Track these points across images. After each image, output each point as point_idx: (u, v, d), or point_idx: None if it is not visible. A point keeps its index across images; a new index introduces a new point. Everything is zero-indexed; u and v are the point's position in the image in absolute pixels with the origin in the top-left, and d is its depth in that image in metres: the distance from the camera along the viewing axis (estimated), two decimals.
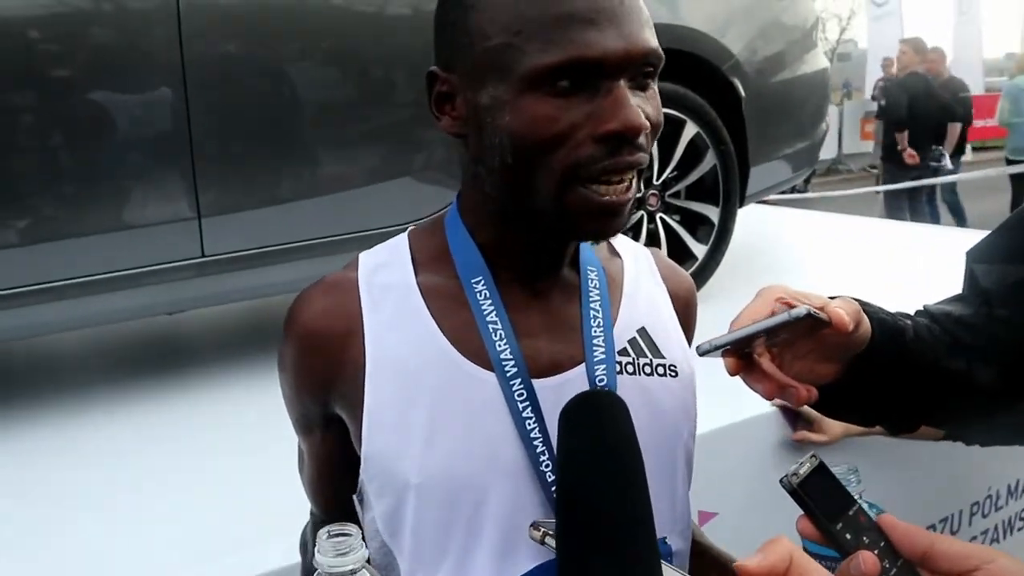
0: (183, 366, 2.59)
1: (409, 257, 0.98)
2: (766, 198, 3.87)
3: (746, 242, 3.32)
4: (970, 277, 1.07)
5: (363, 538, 0.70)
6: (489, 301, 0.93)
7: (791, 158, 3.36)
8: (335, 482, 1.00)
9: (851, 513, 0.74)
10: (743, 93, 3.02)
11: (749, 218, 3.41)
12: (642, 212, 2.89)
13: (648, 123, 0.85)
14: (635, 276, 1.04)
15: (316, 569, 0.69)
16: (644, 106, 0.86)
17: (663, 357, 1.00)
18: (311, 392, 0.97)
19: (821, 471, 0.75)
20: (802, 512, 0.74)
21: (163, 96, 2.21)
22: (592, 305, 0.97)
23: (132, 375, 2.55)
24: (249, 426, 2.01)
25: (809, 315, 0.82)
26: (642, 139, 0.85)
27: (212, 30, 2.25)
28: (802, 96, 3.32)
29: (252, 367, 2.39)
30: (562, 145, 0.84)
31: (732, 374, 0.91)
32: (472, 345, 0.92)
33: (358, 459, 0.94)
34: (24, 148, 2.12)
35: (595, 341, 0.95)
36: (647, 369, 0.98)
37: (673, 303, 1.06)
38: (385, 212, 2.42)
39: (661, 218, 2.94)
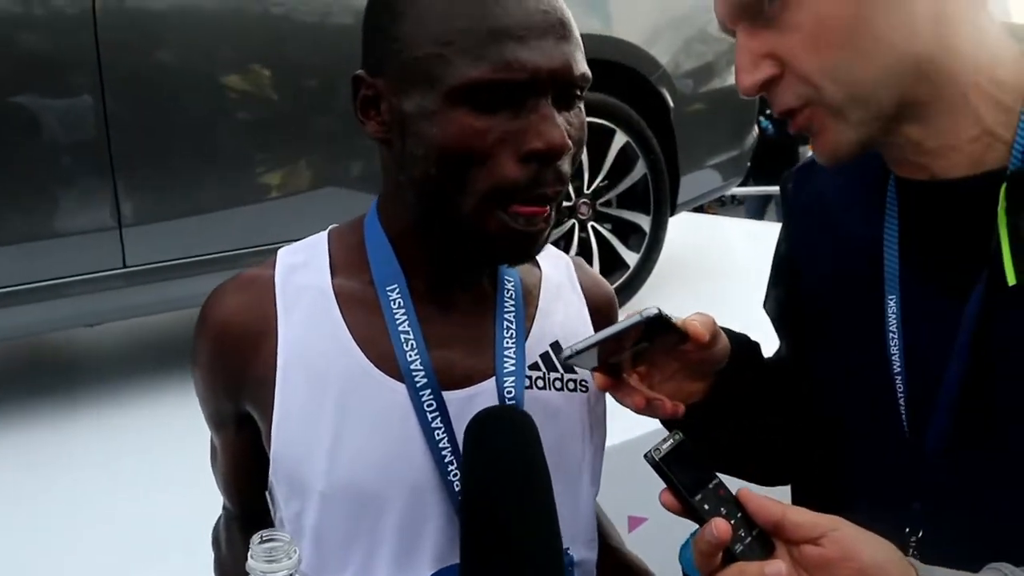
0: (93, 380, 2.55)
1: (327, 259, 0.97)
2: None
3: (679, 250, 3.36)
4: (773, 324, 1.12)
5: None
6: (403, 310, 0.92)
7: (720, 167, 3.43)
8: (248, 478, 0.99)
9: (711, 487, 0.77)
10: (671, 103, 3.07)
11: (683, 226, 3.46)
12: (573, 220, 2.92)
13: (571, 143, 0.85)
14: (554, 288, 1.04)
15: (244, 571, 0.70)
16: (569, 126, 0.86)
17: (574, 372, 1.00)
18: (223, 389, 0.96)
19: (683, 447, 0.78)
20: (665, 487, 0.78)
21: (83, 103, 2.17)
22: (507, 317, 0.97)
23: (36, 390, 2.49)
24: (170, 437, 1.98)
25: (660, 315, 0.83)
26: (564, 164, 0.86)
27: (132, 38, 2.22)
28: (730, 106, 3.38)
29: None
30: (485, 162, 0.84)
31: (601, 389, 0.92)
32: (383, 353, 0.91)
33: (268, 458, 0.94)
34: None
35: (506, 354, 0.95)
36: (557, 384, 0.98)
37: (592, 315, 1.06)
38: (310, 222, 2.39)
39: (593, 226, 2.97)
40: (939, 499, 0.86)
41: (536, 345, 0.99)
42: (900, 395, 0.88)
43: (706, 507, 0.76)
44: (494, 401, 0.92)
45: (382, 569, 0.90)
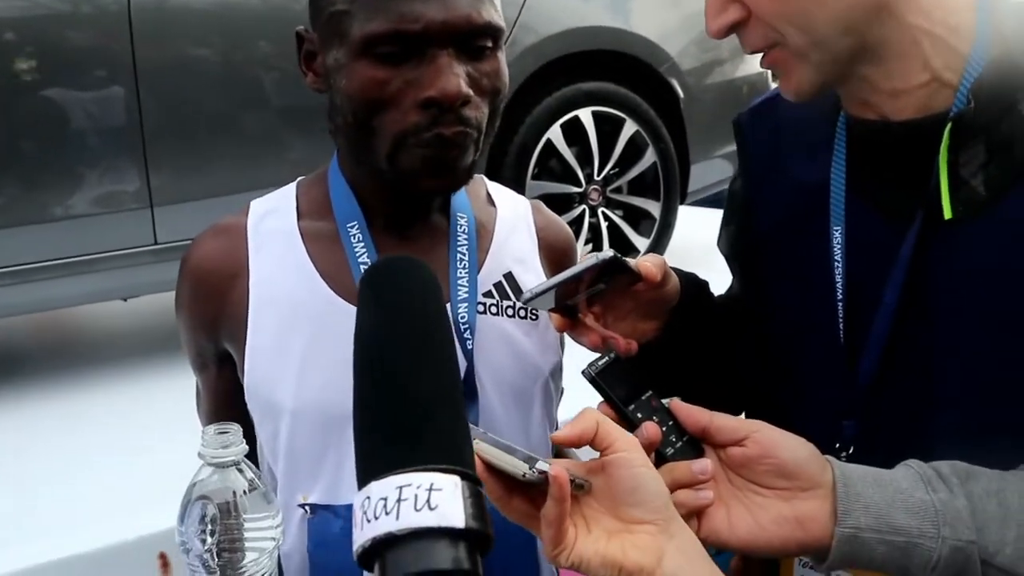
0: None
1: (295, 205, 1.05)
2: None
3: (689, 239, 3.43)
4: (726, 261, 1.18)
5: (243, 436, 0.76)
6: (362, 244, 0.99)
7: (732, 156, 3.47)
8: (229, 415, 1.04)
9: (643, 398, 0.84)
10: (681, 93, 3.16)
11: (695, 218, 3.53)
12: (584, 206, 3.03)
13: (470, 92, 0.90)
14: (508, 225, 1.10)
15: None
16: (476, 75, 0.92)
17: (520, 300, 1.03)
18: (203, 329, 1.04)
19: (617, 363, 0.85)
20: (602, 399, 0.85)
21: (117, 92, 2.35)
22: (459, 249, 1.03)
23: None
24: None
25: (615, 259, 0.88)
26: (467, 109, 0.91)
27: (164, 30, 2.39)
28: (741, 96, 3.45)
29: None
30: (389, 109, 0.91)
31: (559, 330, 0.96)
32: (345, 284, 0.99)
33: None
34: None
35: (459, 283, 1.01)
36: (509, 311, 1.05)
37: (545, 253, 1.12)
38: None
39: (603, 212, 3.07)
40: (869, 420, 0.91)
41: (489, 276, 1.05)
42: (840, 321, 0.93)
43: (639, 415, 0.82)
44: (448, 325, 1.01)
45: (350, 481, 0.98)
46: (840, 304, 0.93)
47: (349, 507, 0.96)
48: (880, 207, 0.92)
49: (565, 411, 1.20)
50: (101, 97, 2.35)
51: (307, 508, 0.99)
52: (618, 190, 3.12)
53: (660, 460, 0.81)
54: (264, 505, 0.78)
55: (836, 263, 0.93)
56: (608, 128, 3.03)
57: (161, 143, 2.39)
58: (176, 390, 1.97)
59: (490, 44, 0.93)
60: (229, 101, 2.51)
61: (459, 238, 1.04)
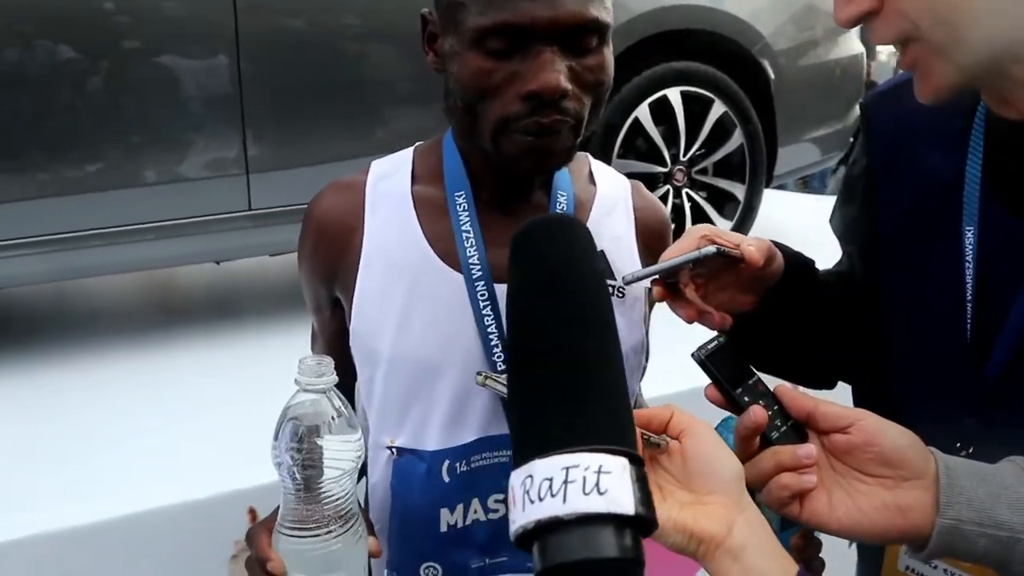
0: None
1: (410, 170, 1.11)
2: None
3: (774, 224, 3.40)
4: (836, 236, 1.17)
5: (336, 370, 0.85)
6: (467, 213, 1.06)
7: (821, 140, 3.45)
8: (339, 355, 1.10)
9: (750, 382, 0.86)
10: (772, 75, 3.12)
11: (778, 202, 3.49)
12: (668, 187, 3.02)
13: (568, 87, 0.95)
14: (607, 204, 1.14)
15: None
16: (579, 69, 0.96)
17: (615, 280, 1.11)
18: (320, 276, 1.12)
19: (725, 348, 0.87)
20: (710, 382, 0.87)
21: (220, 63, 2.42)
22: None
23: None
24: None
25: (718, 253, 0.92)
26: (566, 101, 0.96)
27: (267, 3, 2.45)
28: (834, 79, 3.39)
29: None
30: (494, 99, 0.96)
31: (658, 300, 1.00)
32: (448, 249, 1.05)
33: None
34: (95, 108, 2.35)
35: None
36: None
37: (641, 233, 1.16)
38: None
39: (687, 193, 3.06)
40: (993, 418, 0.89)
41: None
42: (968, 319, 0.92)
43: (746, 399, 0.84)
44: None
45: (434, 431, 1.06)
46: (969, 304, 0.92)
47: (433, 453, 1.05)
48: (1018, 207, 0.89)
49: (648, 387, 1.25)
50: (204, 66, 2.43)
51: (394, 450, 1.06)
52: (703, 171, 3.10)
53: (765, 443, 0.83)
54: (348, 430, 0.85)
55: (967, 263, 0.92)
56: (696, 108, 3.01)
57: (260, 112, 2.46)
58: (271, 349, 2.07)
59: (595, 41, 0.98)
60: (326, 72, 2.56)
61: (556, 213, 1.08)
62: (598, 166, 1.19)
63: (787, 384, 0.87)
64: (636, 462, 0.55)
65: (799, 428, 0.84)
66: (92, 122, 2.34)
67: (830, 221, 1.17)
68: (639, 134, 2.96)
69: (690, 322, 1.00)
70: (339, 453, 0.84)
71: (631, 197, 1.18)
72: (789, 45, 3.20)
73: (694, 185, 3.09)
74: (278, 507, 0.90)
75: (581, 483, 0.52)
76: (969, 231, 0.92)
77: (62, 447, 1.93)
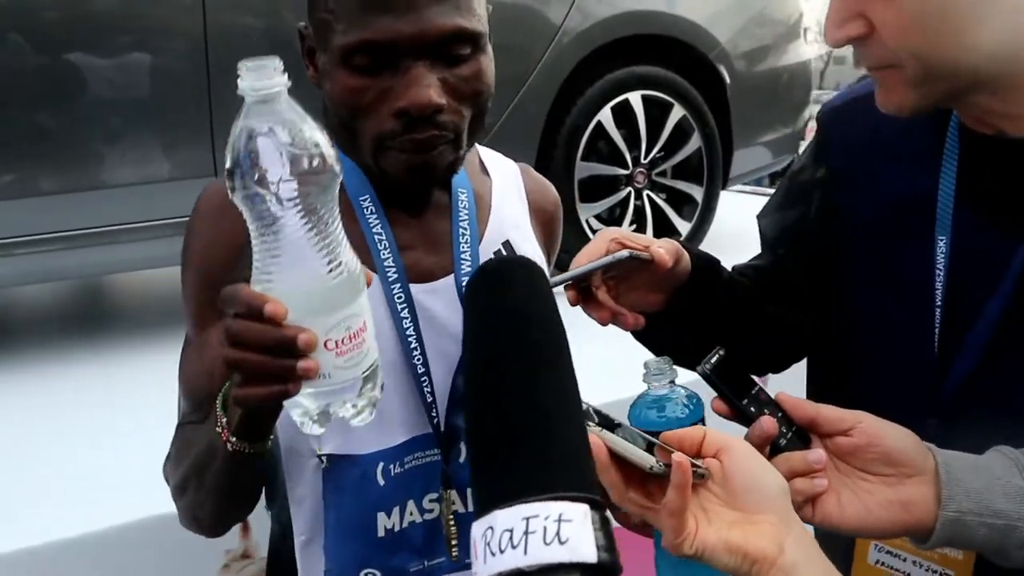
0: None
1: None
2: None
3: (730, 224, 3.47)
4: (761, 235, 1.22)
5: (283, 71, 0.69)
6: (375, 216, 1.02)
7: (773, 144, 3.54)
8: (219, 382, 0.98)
9: (753, 392, 0.89)
10: (728, 79, 3.19)
11: (733, 203, 3.57)
12: (630, 188, 3.07)
13: (441, 101, 0.92)
14: (501, 193, 1.14)
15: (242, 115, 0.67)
16: (454, 80, 0.94)
17: None
18: (217, 278, 0.98)
19: (727, 360, 0.89)
20: (716, 395, 0.89)
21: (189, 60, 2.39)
22: (461, 224, 1.07)
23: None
24: None
25: (631, 257, 0.97)
26: (442, 116, 0.93)
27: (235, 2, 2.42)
28: (785, 85, 3.48)
29: None
30: (367, 116, 0.94)
31: (572, 304, 1.02)
32: (360, 254, 0.99)
33: None
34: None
35: (463, 256, 1.06)
36: None
37: (535, 216, 1.17)
38: None
39: (648, 195, 3.11)
40: (955, 419, 0.94)
41: (490, 245, 1.09)
42: (936, 327, 0.96)
43: (752, 409, 0.87)
44: (453, 294, 1.03)
45: (361, 435, 0.98)
46: (939, 310, 0.96)
47: (366, 456, 0.99)
48: (992, 219, 0.93)
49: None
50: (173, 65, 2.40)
51: (323, 459, 1.00)
52: (663, 173, 3.15)
53: (774, 451, 0.86)
54: (317, 129, 0.70)
55: (938, 272, 0.96)
56: (655, 112, 3.06)
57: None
58: None
59: (468, 50, 0.95)
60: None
61: (460, 213, 1.08)
62: (487, 154, 1.18)
63: (786, 392, 0.90)
64: (597, 507, 0.54)
65: (803, 433, 0.88)
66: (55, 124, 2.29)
67: (759, 219, 1.20)
68: (600, 137, 3.01)
69: (604, 324, 1.03)
70: (325, 155, 0.69)
71: (522, 181, 1.18)
72: (744, 51, 3.28)
73: (654, 187, 3.14)
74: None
75: (542, 533, 0.52)
76: (942, 240, 0.95)
77: (45, 455, 1.88)
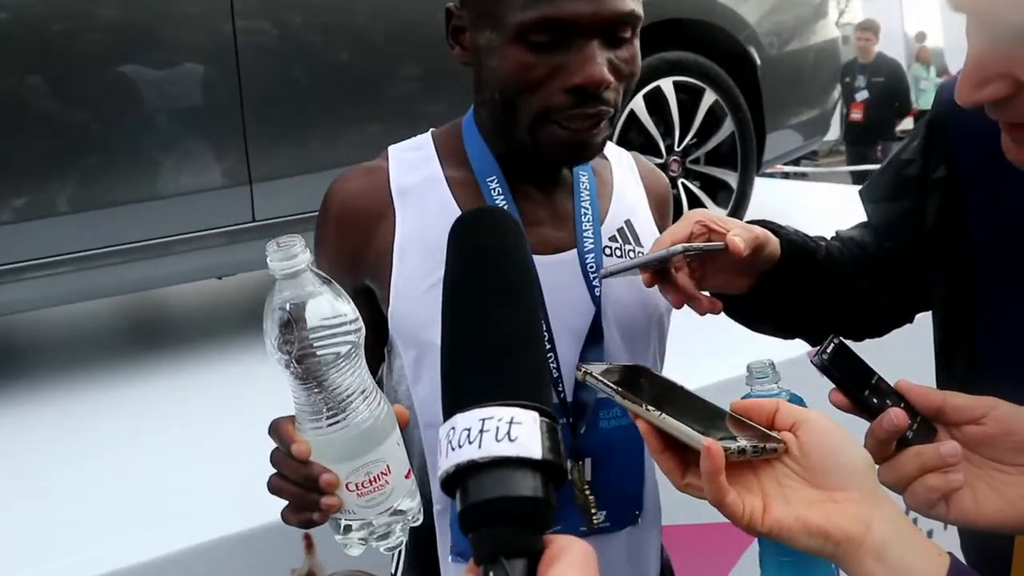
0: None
1: (435, 153, 1.12)
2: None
3: (765, 211, 3.42)
4: (866, 215, 1.19)
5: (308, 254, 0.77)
6: (502, 197, 1.08)
7: (803, 126, 3.48)
8: (367, 345, 1.07)
9: (873, 382, 0.83)
10: (759, 61, 3.12)
11: (767, 189, 3.51)
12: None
13: (611, 78, 0.98)
14: (621, 177, 1.20)
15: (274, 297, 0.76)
16: (617, 62, 0.99)
17: (642, 246, 1.16)
18: (346, 263, 1.09)
19: (843, 349, 0.84)
20: (834, 387, 0.83)
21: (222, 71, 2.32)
22: (583, 204, 1.13)
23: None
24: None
25: (684, 253, 0.97)
26: (608, 92, 0.99)
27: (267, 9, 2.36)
28: (814, 65, 3.43)
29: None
30: (536, 91, 0.98)
31: (648, 285, 1.03)
32: None
33: (381, 327, 1.09)
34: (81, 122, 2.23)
35: (584, 234, 1.11)
36: (632, 254, 1.14)
37: (651, 199, 1.22)
38: None
39: (682, 183, 3.04)
40: None
41: (613, 223, 1.15)
42: None
43: (874, 400, 0.82)
44: (577, 268, 1.09)
45: None
46: None
47: None
48: None
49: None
50: (202, 74, 2.33)
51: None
52: (696, 160, 3.09)
53: (901, 444, 0.80)
54: (337, 305, 0.78)
55: None
56: (685, 97, 3.00)
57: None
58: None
59: (629, 33, 1.01)
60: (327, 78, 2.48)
61: (582, 193, 1.13)
62: None
63: (907, 380, 0.85)
64: (547, 416, 0.60)
65: (928, 424, 0.82)
66: (80, 138, 2.22)
67: (862, 197, 1.18)
68: (632, 126, 2.94)
69: (678, 307, 1.04)
70: (335, 330, 0.77)
71: (636, 166, 1.24)
72: (772, 32, 3.21)
73: (688, 175, 3.08)
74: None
75: (495, 431, 0.58)
76: None
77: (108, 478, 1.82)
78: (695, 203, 3.06)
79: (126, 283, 2.40)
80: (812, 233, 1.17)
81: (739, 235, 0.98)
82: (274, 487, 0.86)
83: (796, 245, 1.09)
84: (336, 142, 2.48)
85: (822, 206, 4.28)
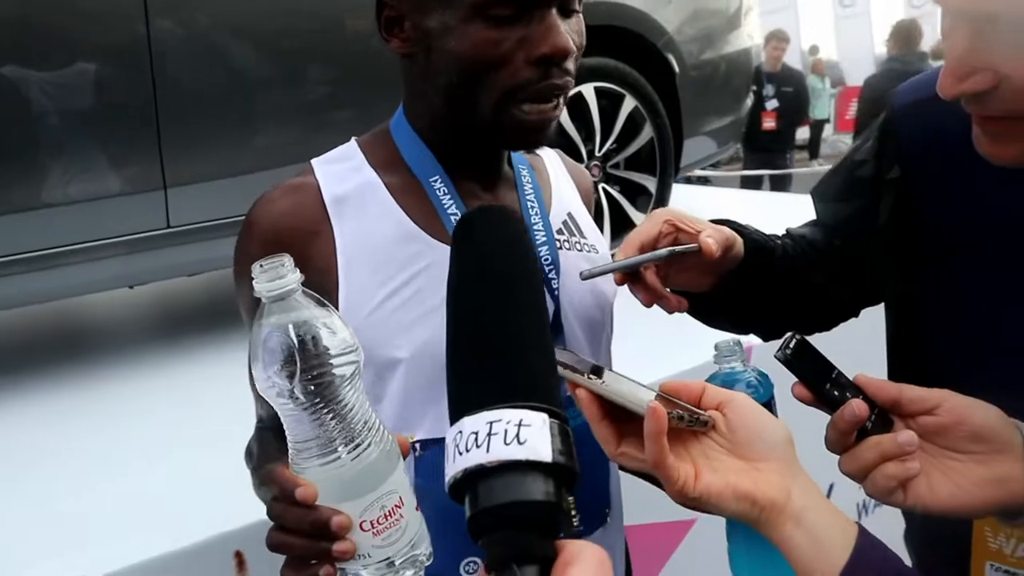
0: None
1: (365, 160, 1.07)
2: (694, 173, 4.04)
3: None
4: (816, 214, 1.24)
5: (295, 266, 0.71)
6: (448, 196, 1.04)
7: (717, 133, 3.54)
8: None
9: (833, 376, 0.86)
10: (677, 69, 3.17)
11: (684, 194, 3.57)
12: None
13: (574, 47, 0.97)
14: (555, 172, 1.20)
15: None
16: (571, 32, 0.98)
17: (585, 237, 1.17)
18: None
19: (805, 345, 0.86)
20: (796, 381, 0.86)
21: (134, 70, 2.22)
22: (527, 197, 1.11)
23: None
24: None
25: (670, 255, 0.99)
26: (569, 63, 0.98)
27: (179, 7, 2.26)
28: (728, 73, 3.49)
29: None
30: (501, 68, 0.96)
31: (618, 284, 1.05)
32: (439, 231, 1.02)
33: None
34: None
35: (535, 227, 1.09)
36: (579, 246, 1.15)
37: (580, 195, 1.23)
38: None
39: (603, 188, 3.06)
40: None
41: (557, 216, 1.15)
42: None
43: (835, 393, 0.85)
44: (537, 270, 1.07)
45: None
46: None
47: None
48: None
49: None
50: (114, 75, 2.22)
51: (416, 447, 1.01)
52: (616, 166, 3.11)
53: (861, 435, 0.83)
54: (336, 322, 0.71)
55: None
56: (606, 103, 3.02)
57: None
58: (221, 379, 1.91)
59: (577, 4, 1.01)
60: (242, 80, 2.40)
61: (525, 188, 1.12)
62: None
63: (865, 373, 0.88)
64: (557, 417, 0.59)
65: (885, 415, 0.85)
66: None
67: (814, 198, 1.22)
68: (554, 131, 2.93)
69: (648, 306, 1.05)
70: (340, 350, 0.71)
71: (563, 164, 1.25)
72: (690, 39, 3.26)
73: (608, 180, 3.10)
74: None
75: (503, 435, 0.57)
76: None
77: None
78: (615, 207, 3.08)
79: (28, 294, 2.27)
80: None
81: (711, 236, 0.99)
82: (275, 543, 0.77)
83: (758, 244, 1.12)
84: (253, 145, 2.41)
85: (731, 210, 4.38)
